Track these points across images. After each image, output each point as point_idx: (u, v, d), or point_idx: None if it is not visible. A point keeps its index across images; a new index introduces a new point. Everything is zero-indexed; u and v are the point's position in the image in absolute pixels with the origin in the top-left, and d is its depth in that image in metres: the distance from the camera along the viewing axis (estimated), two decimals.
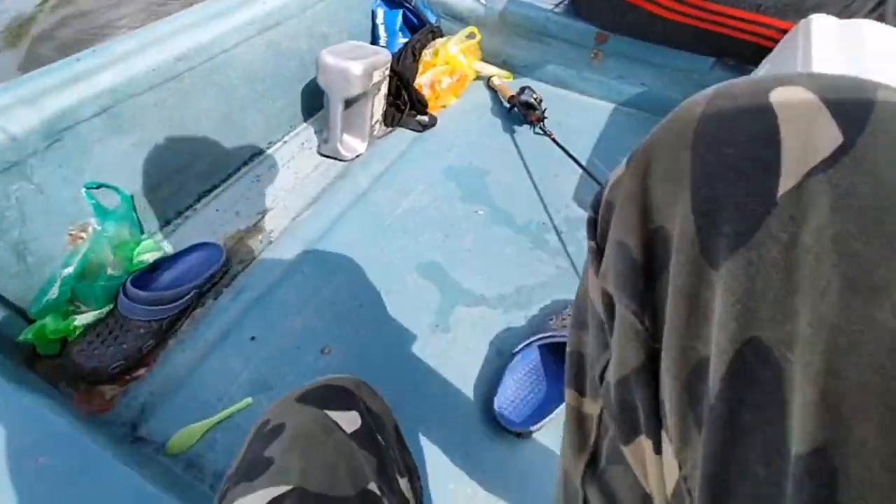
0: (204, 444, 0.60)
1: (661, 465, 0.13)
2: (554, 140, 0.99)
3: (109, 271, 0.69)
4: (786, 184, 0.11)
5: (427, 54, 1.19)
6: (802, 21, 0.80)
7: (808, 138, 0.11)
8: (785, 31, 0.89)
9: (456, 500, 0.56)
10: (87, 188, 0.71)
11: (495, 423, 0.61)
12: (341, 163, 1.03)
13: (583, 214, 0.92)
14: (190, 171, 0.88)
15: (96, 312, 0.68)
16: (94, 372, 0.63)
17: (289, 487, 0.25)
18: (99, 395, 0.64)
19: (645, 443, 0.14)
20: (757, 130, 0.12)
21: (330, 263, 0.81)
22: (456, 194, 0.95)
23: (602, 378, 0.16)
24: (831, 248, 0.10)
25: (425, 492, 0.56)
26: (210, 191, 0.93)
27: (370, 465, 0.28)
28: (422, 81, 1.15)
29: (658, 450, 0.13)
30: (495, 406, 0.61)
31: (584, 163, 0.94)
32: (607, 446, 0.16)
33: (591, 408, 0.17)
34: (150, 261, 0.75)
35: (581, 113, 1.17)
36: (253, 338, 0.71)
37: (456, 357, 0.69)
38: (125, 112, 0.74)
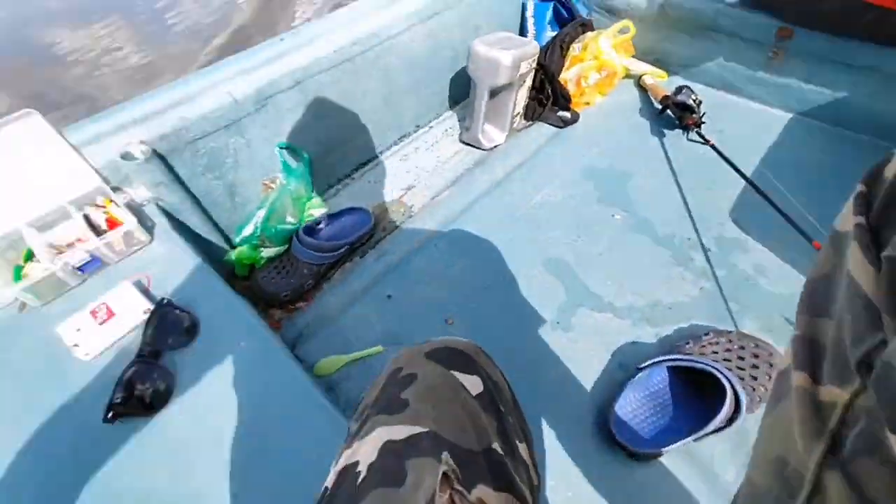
0: (341, 375, 0.70)
1: None
2: (713, 147, 0.90)
3: (289, 219, 0.83)
4: None
5: (576, 48, 1.16)
6: None
7: None
8: None
9: (554, 500, 0.57)
10: (280, 147, 0.85)
11: (608, 436, 0.59)
12: (480, 151, 1.07)
13: (739, 236, 0.83)
14: (351, 144, 1.00)
15: (276, 249, 0.83)
16: (272, 296, 0.78)
17: (425, 429, 0.27)
18: (270, 317, 0.78)
19: None
20: None
21: (462, 243, 0.86)
22: (593, 195, 0.92)
23: (866, 364, 0.15)
24: None
25: None
26: (365, 164, 1.05)
27: (492, 427, 0.30)
28: (567, 76, 1.13)
29: None
30: (612, 419, 0.59)
31: (748, 175, 0.84)
32: (857, 437, 0.15)
33: (834, 395, 0.16)
34: (316, 216, 0.88)
35: (747, 120, 1.04)
36: (389, 296, 0.79)
37: (574, 358, 0.69)
38: (310, 87, 0.87)
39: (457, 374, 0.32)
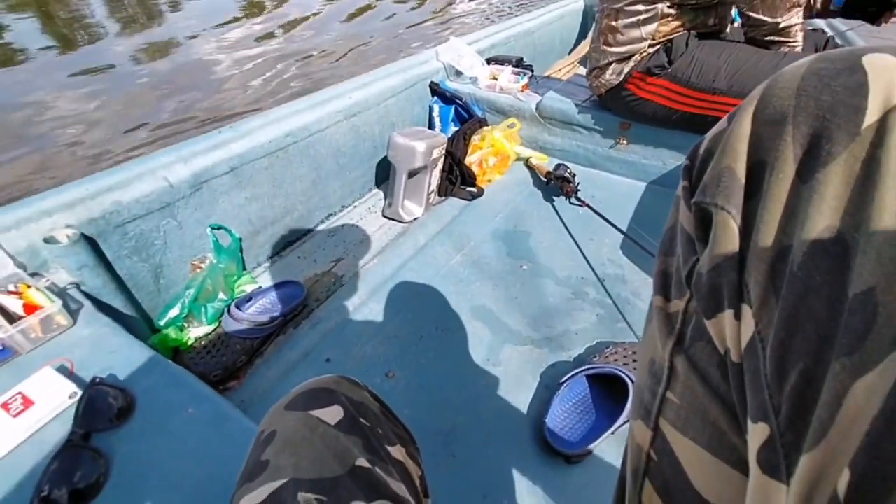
0: None
1: (738, 327, 0.18)
2: (589, 206, 1.14)
3: (220, 296, 0.83)
4: (870, 119, 0.15)
5: (476, 139, 1.41)
6: None
7: (889, 88, 0.15)
8: None
9: None
10: (212, 228, 0.88)
11: (546, 448, 0.66)
12: (402, 224, 1.19)
13: (618, 272, 1.02)
14: (282, 224, 1.06)
15: (205, 328, 0.81)
16: (201, 376, 0.73)
17: (284, 480, 0.28)
18: None
19: (727, 314, 0.18)
20: (850, 83, 0.16)
21: (394, 303, 0.93)
22: (503, 251, 1.08)
23: (690, 277, 0.21)
24: None
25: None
26: (295, 241, 1.10)
27: (357, 445, 0.31)
28: (471, 160, 1.36)
29: (738, 316, 0.18)
30: (546, 431, 0.66)
31: (618, 226, 1.07)
32: (692, 329, 0.21)
33: (677, 306, 0.22)
34: (248, 291, 0.89)
35: (610, 188, 1.32)
36: (328, 360, 0.81)
37: (507, 387, 0.77)
38: (245, 172, 0.94)
39: (315, 411, 0.33)
